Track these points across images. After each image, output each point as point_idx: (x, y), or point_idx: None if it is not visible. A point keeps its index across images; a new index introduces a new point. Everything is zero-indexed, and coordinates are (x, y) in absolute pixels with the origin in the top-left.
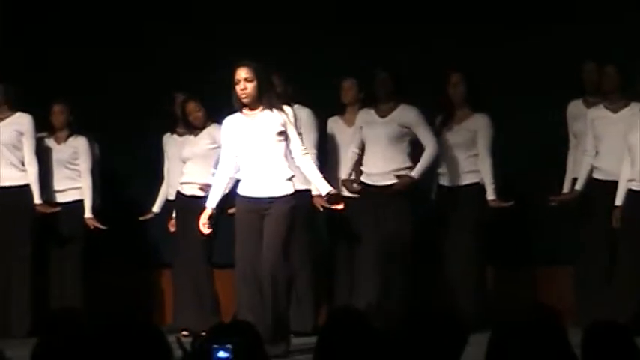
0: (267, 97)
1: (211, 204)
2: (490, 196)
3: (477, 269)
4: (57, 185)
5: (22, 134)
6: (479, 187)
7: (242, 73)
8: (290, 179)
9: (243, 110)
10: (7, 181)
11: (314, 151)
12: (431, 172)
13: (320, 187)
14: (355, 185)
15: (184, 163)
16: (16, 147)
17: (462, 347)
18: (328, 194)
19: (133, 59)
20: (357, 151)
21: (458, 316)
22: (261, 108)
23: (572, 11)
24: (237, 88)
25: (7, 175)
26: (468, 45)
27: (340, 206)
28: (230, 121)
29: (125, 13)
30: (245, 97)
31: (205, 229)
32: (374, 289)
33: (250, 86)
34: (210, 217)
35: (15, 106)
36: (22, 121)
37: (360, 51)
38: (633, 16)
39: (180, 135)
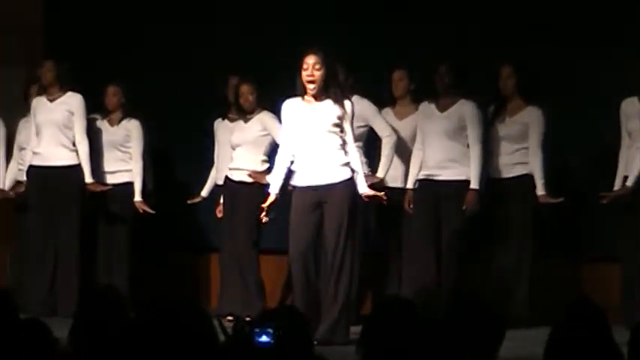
0: (332, 88)
1: (274, 189)
2: (540, 191)
3: (526, 261)
4: (108, 167)
5: (72, 114)
6: (528, 179)
7: (311, 59)
8: (346, 164)
9: (305, 97)
10: (58, 161)
11: (393, 134)
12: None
13: (360, 184)
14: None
15: (234, 148)
16: (67, 126)
17: (499, 341)
18: (364, 195)
19: (192, 41)
20: (421, 152)
21: (496, 310)
22: (323, 97)
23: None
24: (304, 73)
25: (58, 154)
26: (524, 36)
27: (382, 198)
28: (290, 104)
29: None
30: (310, 84)
31: (264, 218)
32: (425, 280)
33: (317, 74)
34: (272, 204)
35: (65, 86)
36: (72, 101)
37: (411, 42)
38: None
39: (232, 120)
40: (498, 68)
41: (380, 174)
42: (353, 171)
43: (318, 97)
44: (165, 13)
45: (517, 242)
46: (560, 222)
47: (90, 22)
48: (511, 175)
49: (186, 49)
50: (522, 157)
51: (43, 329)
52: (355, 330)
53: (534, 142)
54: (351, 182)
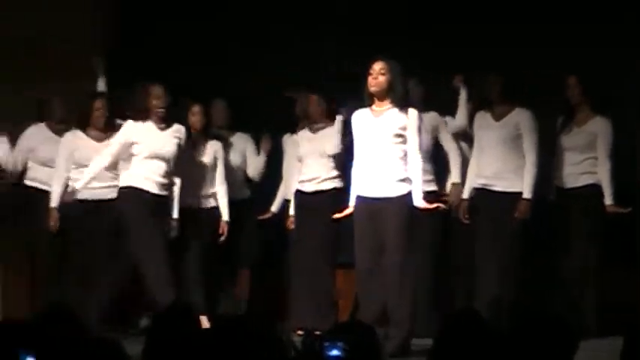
0: (396, 95)
1: (352, 202)
2: (608, 201)
3: (593, 271)
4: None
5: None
6: (595, 188)
7: (378, 65)
8: (404, 180)
9: (372, 106)
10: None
11: (456, 145)
12: (540, 181)
13: (416, 196)
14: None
15: (303, 160)
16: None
17: (572, 353)
18: (417, 208)
19: (259, 60)
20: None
21: (568, 322)
22: (388, 105)
23: None
24: (369, 78)
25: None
26: (590, 45)
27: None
28: (357, 115)
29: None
30: (374, 87)
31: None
32: (493, 289)
33: (382, 79)
34: (349, 215)
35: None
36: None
37: (467, 51)
38: None
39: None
40: (564, 79)
41: (455, 179)
42: (411, 184)
43: (382, 100)
44: (245, 34)
45: (584, 252)
46: (626, 231)
47: (160, 38)
48: (578, 184)
49: (253, 67)
50: (589, 166)
51: (117, 347)
52: (422, 343)
53: (603, 152)
54: (406, 197)
